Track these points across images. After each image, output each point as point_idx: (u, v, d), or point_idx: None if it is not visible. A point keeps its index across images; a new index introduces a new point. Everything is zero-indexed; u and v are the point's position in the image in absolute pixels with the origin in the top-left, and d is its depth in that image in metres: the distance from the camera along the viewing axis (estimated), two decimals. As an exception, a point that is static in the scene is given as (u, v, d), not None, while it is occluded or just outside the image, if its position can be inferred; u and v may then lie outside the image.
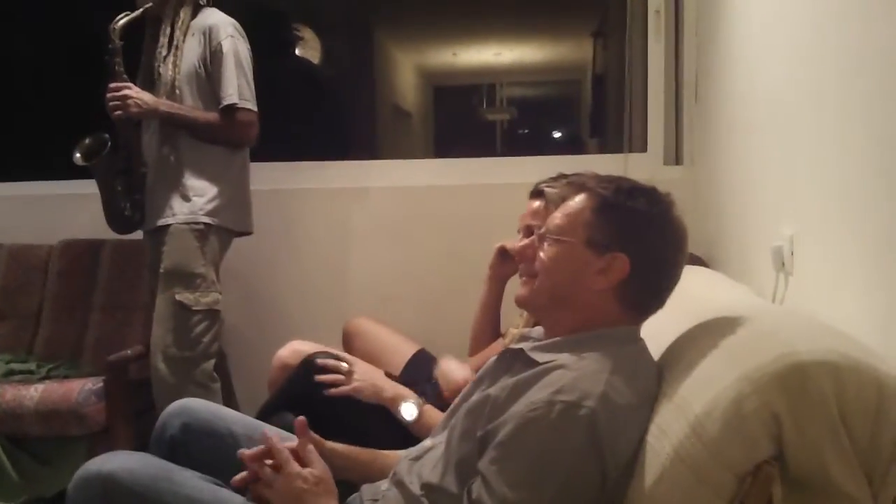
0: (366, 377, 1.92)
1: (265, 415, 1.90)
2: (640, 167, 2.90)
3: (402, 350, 2.39)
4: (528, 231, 1.92)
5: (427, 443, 1.45)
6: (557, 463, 1.14)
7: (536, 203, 1.95)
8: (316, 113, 4.02)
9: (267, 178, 2.96)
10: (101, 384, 2.57)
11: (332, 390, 1.89)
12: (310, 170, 3.20)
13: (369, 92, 5.11)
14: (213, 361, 2.54)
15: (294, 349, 2.20)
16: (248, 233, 2.70)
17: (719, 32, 2.45)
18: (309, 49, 4.29)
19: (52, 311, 3.02)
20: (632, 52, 3.08)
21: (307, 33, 4.25)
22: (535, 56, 6.01)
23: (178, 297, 2.46)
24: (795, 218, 1.68)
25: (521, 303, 1.41)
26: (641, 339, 1.33)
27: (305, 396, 1.89)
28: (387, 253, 3.07)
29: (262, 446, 1.38)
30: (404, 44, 5.94)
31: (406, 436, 1.80)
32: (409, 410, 1.87)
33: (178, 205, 2.51)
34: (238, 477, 1.38)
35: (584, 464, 1.14)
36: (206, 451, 1.56)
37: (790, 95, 1.74)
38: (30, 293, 3.06)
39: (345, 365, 1.93)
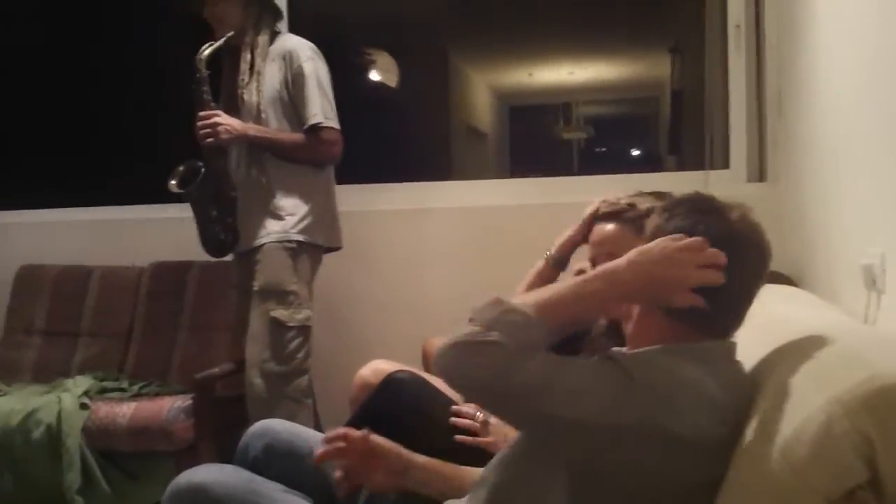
0: (499, 432, 1.88)
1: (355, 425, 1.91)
2: (722, 184, 2.84)
3: None
4: (601, 259, 1.75)
5: None
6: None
7: (609, 227, 1.85)
8: (392, 135, 4.08)
9: (345, 199, 3.01)
10: (188, 402, 2.64)
11: (467, 439, 1.83)
12: (387, 191, 3.25)
13: (445, 113, 5.15)
14: (306, 377, 2.60)
15: (375, 368, 2.22)
16: (338, 248, 2.76)
17: (802, 46, 2.40)
18: (385, 73, 4.36)
19: (142, 331, 3.14)
20: (711, 68, 3.04)
21: (383, 57, 4.32)
22: (611, 74, 5.97)
23: (272, 313, 2.53)
24: (886, 234, 1.62)
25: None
26: (729, 354, 1.30)
27: (387, 415, 1.90)
28: (464, 273, 3.08)
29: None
30: (479, 64, 5.98)
31: (487, 460, 1.79)
32: None
33: (270, 224, 2.59)
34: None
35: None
36: (288, 470, 1.60)
37: (877, 108, 1.69)
38: (121, 314, 3.18)
39: (479, 414, 1.89)
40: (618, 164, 5.93)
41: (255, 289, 2.56)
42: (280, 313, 2.53)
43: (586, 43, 5.02)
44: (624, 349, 1.39)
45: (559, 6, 4.30)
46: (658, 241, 1.25)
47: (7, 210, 3.59)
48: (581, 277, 1.26)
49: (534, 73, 6.13)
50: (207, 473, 1.48)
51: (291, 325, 2.54)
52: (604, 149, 5.95)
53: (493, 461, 1.35)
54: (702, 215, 1.29)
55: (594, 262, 1.84)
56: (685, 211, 1.31)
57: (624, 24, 4.46)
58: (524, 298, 1.24)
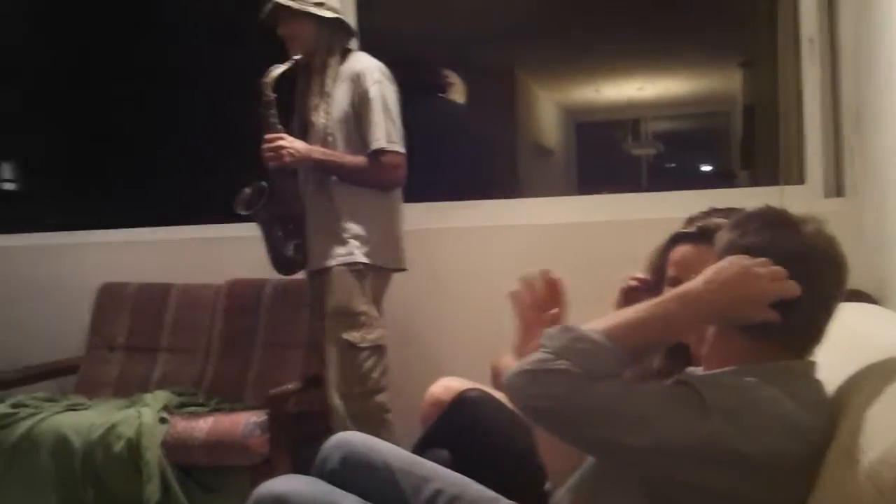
0: None
1: (420, 450, 1.94)
2: (798, 200, 2.77)
3: None
4: (674, 282, 1.66)
5: None
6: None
7: (689, 248, 1.73)
8: (459, 153, 4.11)
9: (413, 218, 3.04)
10: (263, 417, 2.68)
11: None
12: (455, 209, 3.27)
13: (511, 130, 5.17)
14: (385, 394, 2.63)
15: (445, 386, 2.24)
16: (403, 269, 2.78)
17: (880, 57, 2.34)
18: (453, 92, 4.40)
19: (219, 347, 3.20)
20: (785, 82, 2.98)
21: (451, 77, 4.36)
22: (680, 89, 5.91)
23: (344, 336, 2.57)
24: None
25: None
26: (808, 372, 1.27)
27: (459, 432, 1.92)
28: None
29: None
30: (546, 82, 5.98)
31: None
32: None
33: (335, 248, 2.62)
34: None
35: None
36: (364, 483, 1.61)
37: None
38: (198, 330, 3.25)
39: None
40: (688, 180, 5.86)
41: (327, 313, 2.61)
42: (352, 335, 2.57)
43: (655, 58, 4.98)
44: (698, 370, 1.38)
45: (628, 22, 4.28)
46: (731, 258, 1.24)
47: (89, 230, 3.72)
48: (656, 300, 1.26)
49: (601, 88, 6.11)
50: (288, 484, 1.53)
51: (364, 345, 2.58)
52: (673, 164, 5.88)
53: (569, 483, 1.34)
54: (775, 230, 1.27)
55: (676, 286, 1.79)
56: (758, 226, 1.29)
57: (694, 39, 4.43)
58: (597, 324, 1.23)
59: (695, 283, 1.23)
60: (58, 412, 2.87)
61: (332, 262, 2.62)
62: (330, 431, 2.52)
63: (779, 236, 1.26)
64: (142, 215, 3.66)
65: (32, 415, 2.84)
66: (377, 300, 2.68)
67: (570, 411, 1.16)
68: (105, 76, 4.03)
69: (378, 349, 2.63)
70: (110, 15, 4.06)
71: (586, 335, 1.20)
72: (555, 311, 1.54)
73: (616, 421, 1.15)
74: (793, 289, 1.19)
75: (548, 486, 1.55)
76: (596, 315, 1.25)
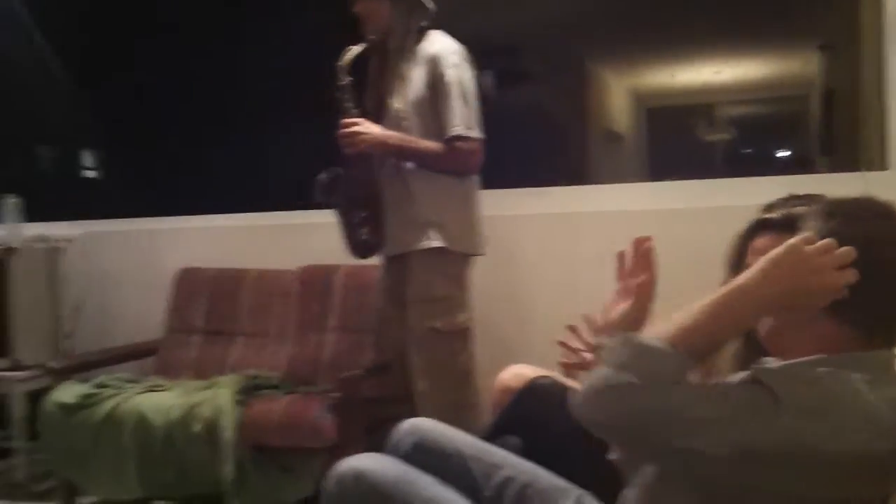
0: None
1: (490, 437, 1.94)
2: (881, 186, 2.67)
3: None
4: None
5: None
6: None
7: (765, 238, 1.67)
8: (530, 140, 4.09)
9: (486, 204, 3.04)
10: (335, 401, 2.73)
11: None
12: (525, 196, 3.26)
13: (581, 117, 5.12)
14: (472, 377, 2.60)
15: (515, 373, 2.23)
16: (480, 254, 2.72)
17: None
18: (522, 77, 4.38)
19: (293, 331, 3.26)
20: (867, 64, 2.89)
21: (521, 61, 4.34)
22: (757, 72, 5.76)
23: (427, 323, 2.55)
24: None
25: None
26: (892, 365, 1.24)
27: (529, 420, 1.92)
28: (602, 279, 3.03)
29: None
30: (618, 67, 5.90)
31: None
32: None
33: (413, 234, 2.59)
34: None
35: None
36: (435, 469, 1.63)
37: None
38: (273, 315, 3.32)
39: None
40: (764, 166, 5.71)
41: (409, 300, 2.59)
42: (435, 321, 2.54)
43: (732, 41, 4.87)
44: (771, 361, 1.34)
45: (706, 4, 4.19)
46: (789, 244, 1.19)
47: (168, 216, 3.84)
48: (713, 297, 1.21)
49: (676, 73, 5.99)
50: (367, 461, 1.57)
51: (448, 330, 2.56)
52: (748, 150, 5.74)
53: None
54: (862, 218, 1.24)
55: None
56: (844, 214, 1.25)
57: (772, 21, 4.31)
58: (656, 329, 1.22)
59: (752, 274, 1.19)
60: (139, 393, 2.97)
61: (410, 248, 2.59)
62: (399, 417, 2.54)
63: (867, 224, 1.22)
64: (218, 202, 3.73)
65: (115, 395, 2.95)
66: (461, 284, 2.64)
67: (640, 425, 1.15)
68: (183, 65, 4.11)
69: (463, 333, 2.59)
70: (185, 5, 4.14)
71: (647, 344, 1.18)
72: (644, 278, 1.53)
73: (688, 427, 1.13)
74: (852, 276, 1.14)
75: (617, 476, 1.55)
76: (672, 305, 1.23)
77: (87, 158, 4.59)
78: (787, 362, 1.25)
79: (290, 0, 3.87)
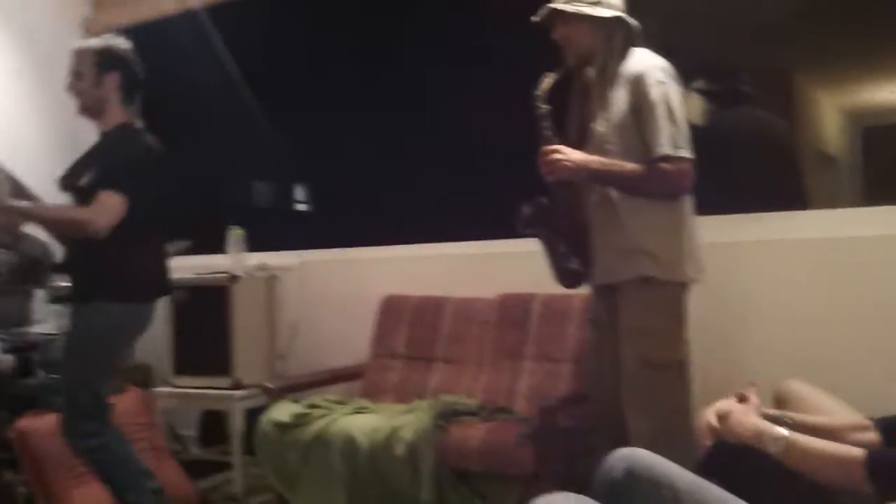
0: None
1: (702, 471, 1.86)
2: None
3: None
4: None
5: None
6: None
7: None
8: (738, 164, 3.91)
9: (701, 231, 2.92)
10: (533, 429, 2.72)
11: None
12: (737, 222, 3.13)
13: (792, 138, 4.84)
14: (686, 412, 2.44)
15: (720, 409, 2.12)
16: (696, 282, 2.55)
17: None
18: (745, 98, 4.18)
19: (489, 359, 3.31)
20: None
21: (726, 83, 4.16)
22: None
23: (642, 356, 2.44)
24: None
25: None
26: None
27: (734, 463, 1.83)
28: (819, 311, 2.85)
29: None
30: (830, 84, 5.55)
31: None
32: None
33: (624, 262, 2.48)
34: None
35: None
36: (644, 498, 1.59)
37: None
38: (471, 342, 3.39)
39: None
40: None
41: (622, 332, 2.49)
42: (649, 354, 2.43)
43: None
44: None
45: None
46: None
47: (373, 245, 4.01)
48: None
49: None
50: (563, 501, 1.54)
51: (662, 363, 2.44)
52: None
53: None
54: None
55: None
56: None
57: None
58: None
59: None
60: (346, 414, 3.12)
61: (620, 278, 2.49)
62: (597, 450, 2.47)
63: None
64: (420, 232, 3.85)
65: (325, 415, 3.11)
66: (677, 315, 2.49)
67: None
68: (380, 97, 4.25)
69: (679, 367, 2.46)
70: (384, 36, 4.29)
71: None
72: None
73: None
74: None
75: None
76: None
77: (299, 192, 4.89)
78: None
79: (493, 34, 3.89)
